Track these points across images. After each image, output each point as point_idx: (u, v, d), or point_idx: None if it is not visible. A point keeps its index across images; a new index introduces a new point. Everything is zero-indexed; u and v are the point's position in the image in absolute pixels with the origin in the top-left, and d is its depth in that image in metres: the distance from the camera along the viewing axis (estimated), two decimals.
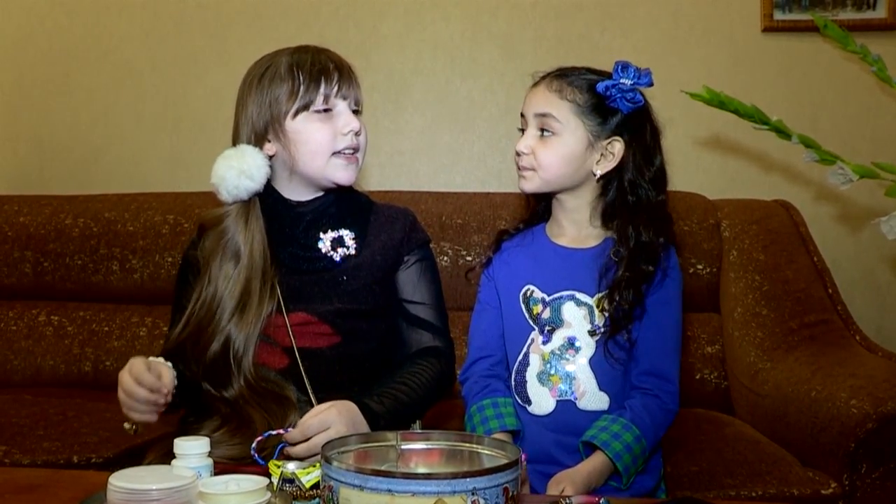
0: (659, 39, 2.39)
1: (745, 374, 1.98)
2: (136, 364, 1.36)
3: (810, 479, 1.60)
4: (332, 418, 1.32)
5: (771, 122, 1.04)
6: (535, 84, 1.52)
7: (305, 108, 1.47)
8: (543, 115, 1.48)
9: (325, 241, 1.53)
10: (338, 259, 1.52)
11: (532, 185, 1.50)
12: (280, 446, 1.31)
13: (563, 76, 1.50)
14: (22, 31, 2.58)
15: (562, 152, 1.47)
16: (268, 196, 1.52)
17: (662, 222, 1.49)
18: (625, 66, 1.45)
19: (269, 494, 1.07)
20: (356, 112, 1.53)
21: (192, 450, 1.16)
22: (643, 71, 1.45)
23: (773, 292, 2.04)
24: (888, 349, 1.91)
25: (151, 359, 1.41)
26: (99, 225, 2.27)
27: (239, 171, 1.46)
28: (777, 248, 2.11)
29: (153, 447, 1.50)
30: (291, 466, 1.16)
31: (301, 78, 1.47)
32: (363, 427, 1.34)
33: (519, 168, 1.51)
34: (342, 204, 1.56)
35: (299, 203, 1.54)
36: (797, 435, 1.71)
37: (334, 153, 1.49)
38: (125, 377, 1.36)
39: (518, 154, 1.51)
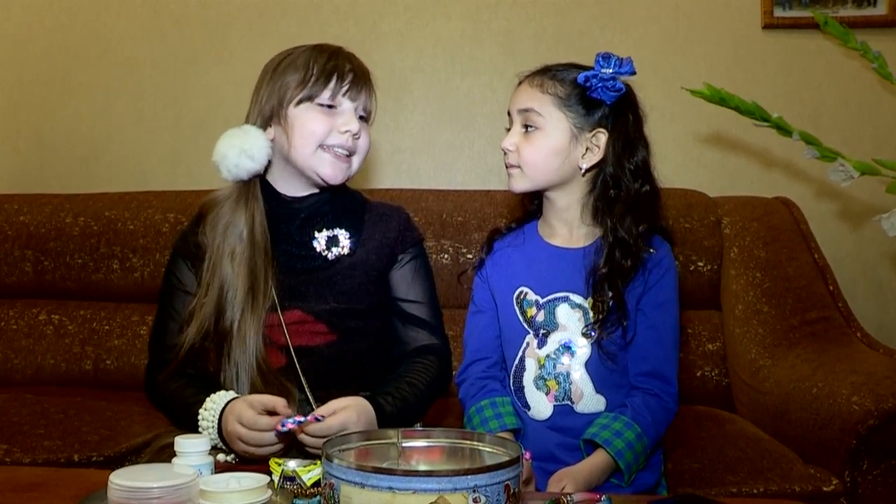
0: (659, 36, 2.38)
1: (746, 371, 1.98)
2: (243, 412, 1.33)
3: (812, 475, 1.60)
4: (351, 422, 1.31)
5: (772, 119, 1.04)
6: (520, 83, 1.52)
7: (310, 98, 1.49)
8: (526, 111, 1.47)
9: (319, 240, 1.53)
10: (332, 258, 1.52)
11: (520, 184, 1.50)
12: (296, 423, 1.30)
13: (545, 72, 1.50)
14: (22, 29, 2.58)
15: (546, 146, 1.46)
16: (263, 191, 1.53)
17: (644, 213, 1.46)
18: (606, 57, 1.44)
19: (269, 492, 1.07)
20: (363, 119, 1.54)
21: (193, 448, 1.16)
22: (624, 60, 1.44)
23: (773, 289, 2.04)
24: (889, 346, 1.90)
25: (235, 399, 1.38)
26: (99, 223, 2.27)
27: (240, 150, 1.47)
28: (778, 244, 2.11)
29: (153, 445, 1.50)
30: (292, 464, 1.16)
31: (314, 70, 1.49)
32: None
33: (506, 167, 1.51)
34: (337, 202, 1.56)
35: (294, 199, 1.54)
36: (798, 432, 1.71)
37: (323, 146, 1.49)
38: (239, 428, 1.33)
39: (504, 152, 1.50)
